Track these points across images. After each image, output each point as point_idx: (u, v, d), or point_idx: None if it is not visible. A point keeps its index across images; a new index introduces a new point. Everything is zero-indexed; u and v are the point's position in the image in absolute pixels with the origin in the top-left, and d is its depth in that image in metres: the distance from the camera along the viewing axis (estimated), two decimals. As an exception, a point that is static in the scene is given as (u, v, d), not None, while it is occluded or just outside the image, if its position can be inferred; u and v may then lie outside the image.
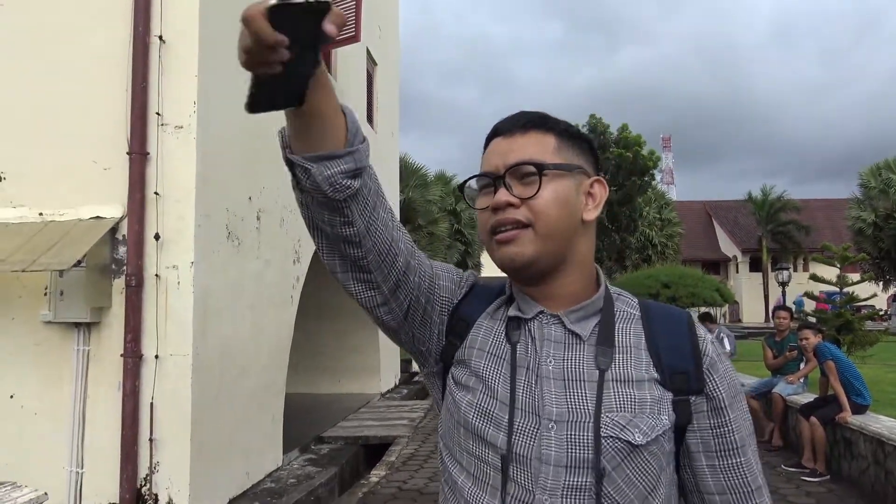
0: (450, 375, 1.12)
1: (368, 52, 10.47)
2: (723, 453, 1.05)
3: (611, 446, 0.97)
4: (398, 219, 1.15)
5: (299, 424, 7.79)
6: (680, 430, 1.04)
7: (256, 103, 0.83)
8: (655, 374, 1.03)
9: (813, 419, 6.63)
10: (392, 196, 12.85)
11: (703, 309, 13.22)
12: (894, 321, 34.83)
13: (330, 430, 7.98)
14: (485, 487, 1.02)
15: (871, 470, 5.93)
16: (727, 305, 26.88)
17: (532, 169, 1.04)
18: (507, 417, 1.01)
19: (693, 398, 1.04)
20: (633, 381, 1.02)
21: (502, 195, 1.04)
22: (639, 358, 1.05)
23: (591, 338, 1.06)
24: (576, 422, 0.99)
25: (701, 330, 1.10)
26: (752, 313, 45.00)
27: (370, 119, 10.75)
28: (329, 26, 0.76)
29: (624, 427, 0.98)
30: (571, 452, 0.97)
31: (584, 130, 39.69)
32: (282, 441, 6.43)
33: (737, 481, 1.05)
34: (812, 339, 7.04)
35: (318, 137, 0.92)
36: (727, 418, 1.05)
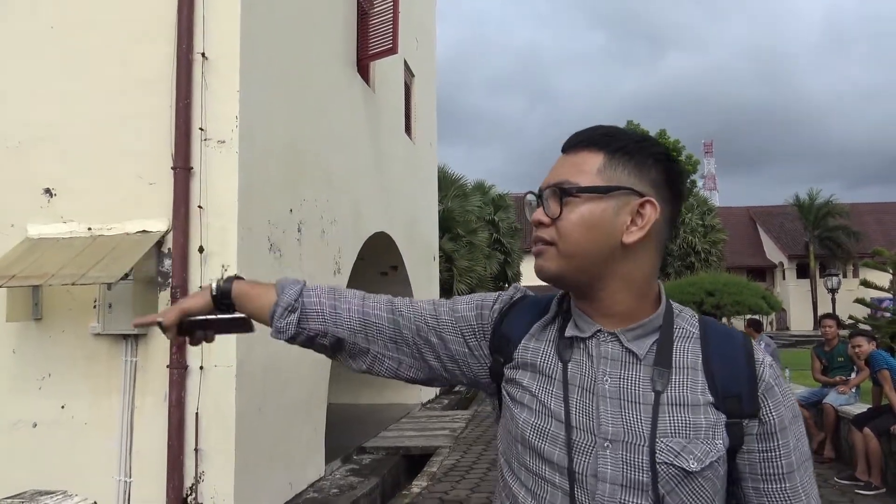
0: (504, 392, 1.14)
1: (406, 64, 10.54)
2: (768, 477, 1.06)
3: (665, 472, 0.99)
4: (383, 299, 1.26)
5: (341, 435, 7.83)
6: (732, 452, 1.04)
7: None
8: (710, 398, 1.03)
9: (867, 430, 6.41)
10: (431, 206, 12.90)
11: (748, 317, 12.92)
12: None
13: (371, 441, 8.00)
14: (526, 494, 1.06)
15: (931, 483, 5.72)
16: (774, 313, 26.26)
17: (559, 192, 1.08)
18: (563, 436, 1.03)
19: (746, 421, 1.04)
20: (688, 404, 1.03)
21: (537, 213, 1.10)
22: (695, 379, 1.05)
23: (648, 357, 1.06)
24: (631, 443, 1.00)
25: (760, 354, 1.09)
26: (800, 321, 43.86)
27: (408, 129, 10.82)
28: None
29: (679, 454, 0.99)
30: (627, 473, 0.99)
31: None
32: (324, 451, 6.47)
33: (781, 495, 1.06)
34: (865, 346, 6.83)
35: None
36: (776, 443, 1.05)
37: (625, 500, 0.99)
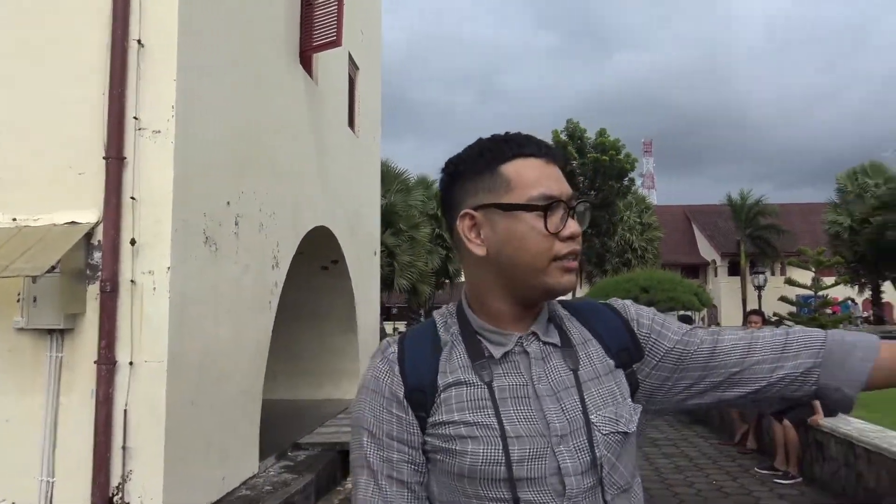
0: (429, 441, 1.07)
1: (350, 56, 10.45)
2: (695, 345, 1.14)
3: (613, 440, 1.07)
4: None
5: (277, 430, 7.75)
6: (636, 392, 1.15)
7: None
8: (611, 361, 1.13)
9: (786, 422, 6.72)
10: (373, 200, 12.84)
11: (681, 312, 13.32)
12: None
13: (307, 437, 7.94)
14: None
15: (842, 472, 6.03)
16: (705, 309, 27.11)
17: (584, 206, 1.13)
18: (503, 452, 1.03)
19: (636, 366, 1.15)
20: (600, 374, 1.11)
21: (578, 227, 1.09)
22: (595, 349, 1.14)
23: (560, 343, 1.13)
24: (577, 429, 1.05)
25: (619, 302, 1.21)
26: (731, 317, 45.48)
27: (351, 123, 10.74)
28: None
29: (616, 420, 1.08)
30: (583, 458, 1.04)
31: (563, 135, 39.61)
32: (258, 447, 6.39)
33: (708, 355, 1.14)
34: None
35: None
36: (669, 329, 1.16)
37: (588, 484, 1.04)
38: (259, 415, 6.44)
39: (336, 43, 8.16)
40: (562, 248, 1.07)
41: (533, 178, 1.08)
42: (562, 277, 1.08)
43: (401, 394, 1.08)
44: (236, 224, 5.84)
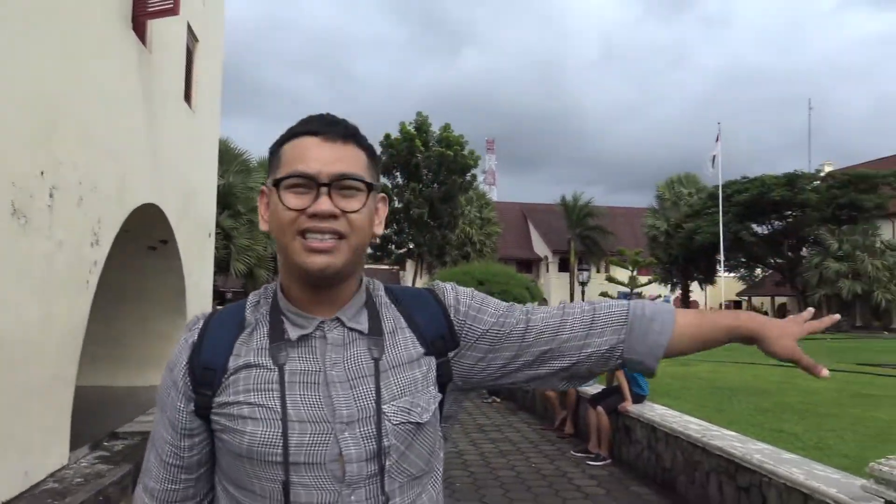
0: (215, 421, 1.10)
1: (189, 27, 9.93)
2: (508, 329, 1.19)
3: (403, 430, 1.08)
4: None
5: (92, 419, 7.25)
6: (442, 386, 1.17)
7: None
8: (422, 349, 1.14)
9: (599, 408, 7.27)
10: (209, 179, 12.28)
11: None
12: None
13: (126, 426, 7.49)
14: (261, 501, 1.06)
15: (645, 453, 6.62)
16: (536, 303, 28.59)
17: (359, 185, 1.08)
18: (281, 435, 1.04)
19: (452, 353, 1.17)
20: (404, 362, 1.12)
21: (327, 204, 1.05)
22: (405, 337, 1.15)
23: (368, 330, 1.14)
24: (366, 417, 1.06)
25: (438, 288, 1.23)
26: (559, 310, 48.22)
27: (188, 97, 10.20)
28: None
29: (409, 411, 1.09)
30: (368, 445, 1.05)
31: (411, 127, 39.92)
32: (69, 438, 5.95)
33: (520, 334, 1.19)
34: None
35: None
36: (488, 311, 1.20)
37: (371, 471, 1.05)
38: (71, 402, 5.98)
39: (173, 11, 7.72)
40: (304, 223, 1.06)
41: (295, 155, 1.09)
42: (306, 256, 1.06)
43: (183, 372, 1.12)
44: (51, 196, 5.37)
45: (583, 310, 1.21)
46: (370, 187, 1.09)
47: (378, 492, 1.06)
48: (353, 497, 1.04)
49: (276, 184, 1.08)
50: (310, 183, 1.06)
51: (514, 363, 1.19)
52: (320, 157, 1.07)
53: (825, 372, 1.14)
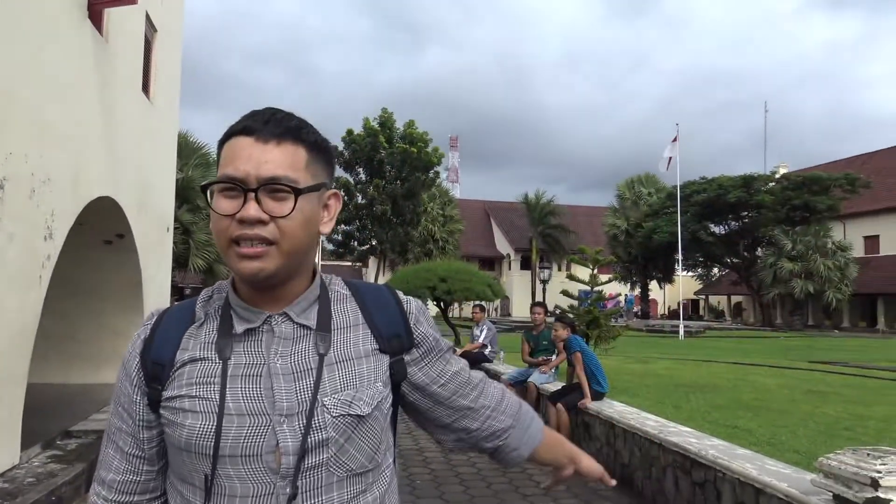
0: (163, 414, 1.11)
1: (148, 17, 9.72)
2: (443, 375, 1.26)
3: (342, 423, 1.08)
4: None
5: (45, 417, 7.06)
6: (396, 386, 1.20)
7: None
8: (376, 345, 1.16)
9: (559, 405, 7.33)
10: (167, 173, 12.04)
11: (475, 302, 14.01)
12: (634, 318, 39.32)
13: (80, 424, 7.31)
14: (199, 494, 1.07)
15: (604, 450, 6.71)
16: (499, 300, 28.72)
17: (288, 189, 1.04)
18: (215, 428, 1.05)
19: (405, 355, 1.20)
20: (352, 358, 1.13)
21: (252, 210, 1.02)
22: (358, 334, 1.16)
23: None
24: (304, 411, 1.06)
25: (404, 296, 1.26)
26: (522, 308, 48.65)
27: (146, 88, 9.99)
28: None
29: (351, 403, 1.09)
30: (306, 438, 1.05)
31: (375, 123, 39.81)
32: (20, 436, 5.78)
33: (459, 384, 1.28)
34: (562, 332, 7.76)
35: None
36: (436, 353, 1.25)
37: (311, 463, 1.05)
38: (22, 400, 5.82)
39: (131, 0, 7.55)
40: (234, 231, 1.04)
41: (228, 156, 1.06)
42: (238, 262, 1.05)
43: (136, 366, 1.14)
44: (1, 188, 5.22)
45: (498, 388, 1.36)
46: (298, 192, 1.04)
47: (316, 484, 1.07)
48: (288, 489, 1.04)
49: (211, 187, 1.07)
50: (234, 187, 1.04)
51: (440, 407, 1.27)
52: (251, 158, 1.04)
53: (613, 482, 1.43)
